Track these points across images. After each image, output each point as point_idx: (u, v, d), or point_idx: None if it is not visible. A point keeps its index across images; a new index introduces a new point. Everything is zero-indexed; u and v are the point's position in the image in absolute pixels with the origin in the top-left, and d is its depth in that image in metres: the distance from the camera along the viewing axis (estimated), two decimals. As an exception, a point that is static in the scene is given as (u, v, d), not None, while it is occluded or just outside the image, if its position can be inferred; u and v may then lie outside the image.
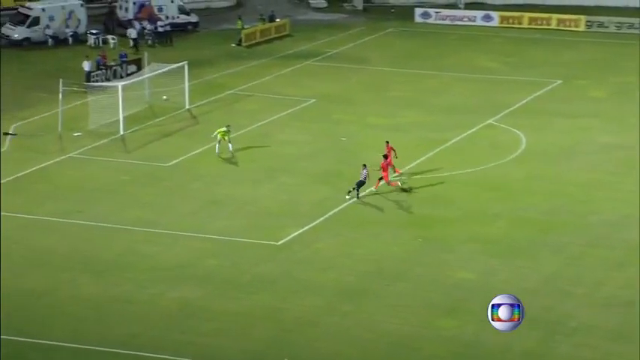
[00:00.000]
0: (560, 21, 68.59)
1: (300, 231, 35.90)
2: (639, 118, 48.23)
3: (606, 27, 67.47)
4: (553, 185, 40.36)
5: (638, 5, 71.86)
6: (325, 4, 75.81)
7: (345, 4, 75.65)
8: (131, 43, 61.59)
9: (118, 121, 45.81)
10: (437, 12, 71.26)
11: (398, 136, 46.16)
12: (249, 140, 44.81)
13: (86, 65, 53.53)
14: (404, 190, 39.10)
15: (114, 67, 54.15)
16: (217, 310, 30.33)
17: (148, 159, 42.95)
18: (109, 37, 62.84)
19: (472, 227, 36.39)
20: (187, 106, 49.89)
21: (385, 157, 39.28)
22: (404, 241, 35.31)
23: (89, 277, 32.27)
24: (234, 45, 63.95)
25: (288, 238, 35.32)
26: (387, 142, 40.60)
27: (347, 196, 38.15)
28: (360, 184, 38.28)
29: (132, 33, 61.57)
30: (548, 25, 68.67)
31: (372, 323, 29.89)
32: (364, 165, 38.46)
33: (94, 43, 62.11)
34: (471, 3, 73.07)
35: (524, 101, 52.08)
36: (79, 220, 36.55)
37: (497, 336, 26.22)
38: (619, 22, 67.50)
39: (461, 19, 70.58)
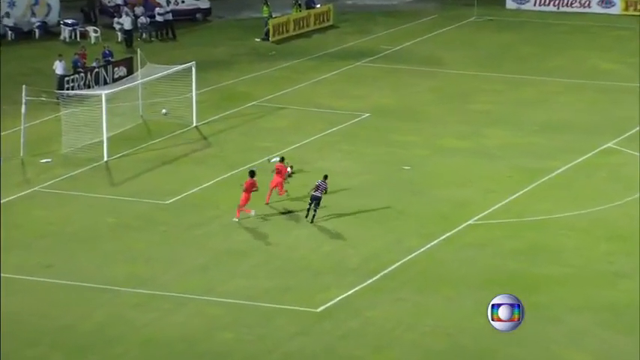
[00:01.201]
0: None
1: (348, 293, 36.12)
2: None
3: None
4: (697, 233, 40.31)
5: None
6: (383, -15, 76.52)
7: (410, -16, 76.29)
8: (120, 37, 62.55)
9: (102, 142, 46.50)
10: (537, -5, 71.72)
11: (482, 163, 46.35)
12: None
13: (59, 67, 54.45)
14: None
15: (96, 70, 55.02)
16: (235, 401, 30.73)
17: (142, 195, 43.50)
18: (90, 28, 63.88)
19: (586, 290, 36.39)
20: (195, 123, 50.54)
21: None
22: (490, 308, 35.40)
23: (63, 355, 32.63)
24: (258, 40, 64.75)
25: (332, 302, 35.55)
26: (283, 158, 43.44)
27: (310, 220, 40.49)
28: (315, 198, 40.27)
29: (126, 22, 62.45)
30: (692, 12, 68.83)
31: (447, 420, 30.09)
32: (325, 176, 40.66)
33: (70, 37, 63.20)
34: (583, -18, 73.38)
35: (658, 117, 52.14)
36: (48, 277, 37.04)
37: None
38: None
39: (570, 5, 70.87)
